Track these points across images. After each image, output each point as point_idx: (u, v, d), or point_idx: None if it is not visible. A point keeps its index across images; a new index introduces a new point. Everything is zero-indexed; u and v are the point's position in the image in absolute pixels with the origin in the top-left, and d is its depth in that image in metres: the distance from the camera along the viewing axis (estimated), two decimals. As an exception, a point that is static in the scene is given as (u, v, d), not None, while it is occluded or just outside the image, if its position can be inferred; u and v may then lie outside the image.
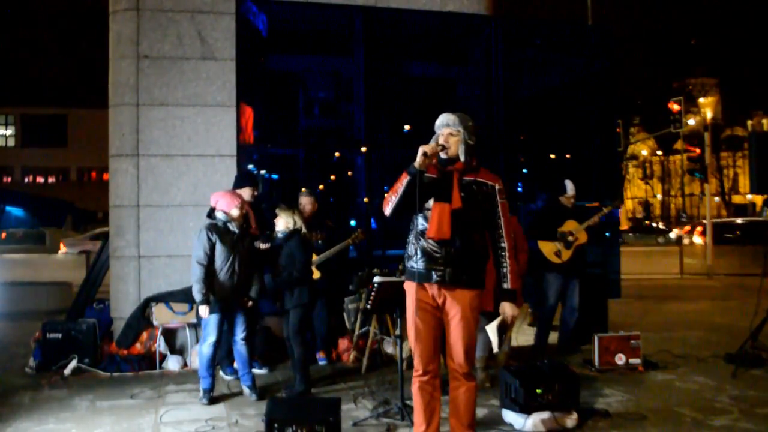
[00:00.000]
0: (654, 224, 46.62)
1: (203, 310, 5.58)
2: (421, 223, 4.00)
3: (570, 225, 7.20)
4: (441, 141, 3.99)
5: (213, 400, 5.60)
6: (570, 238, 7.13)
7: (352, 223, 8.32)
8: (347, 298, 6.97)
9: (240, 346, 5.79)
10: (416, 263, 4.01)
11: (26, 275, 14.20)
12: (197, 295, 5.57)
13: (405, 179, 3.91)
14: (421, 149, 3.89)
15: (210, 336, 5.65)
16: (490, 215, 4.03)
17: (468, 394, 4.05)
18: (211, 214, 5.80)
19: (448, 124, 4.01)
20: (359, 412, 5.23)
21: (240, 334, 5.79)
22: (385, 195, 4.06)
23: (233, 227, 5.70)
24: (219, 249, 5.61)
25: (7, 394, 5.86)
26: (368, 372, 6.47)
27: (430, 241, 3.95)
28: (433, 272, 3.95)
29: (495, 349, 4.23)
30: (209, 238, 5.60)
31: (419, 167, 3.88)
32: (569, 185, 7.25)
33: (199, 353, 5.73)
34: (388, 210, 4.02)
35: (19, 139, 46.99)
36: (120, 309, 7.11)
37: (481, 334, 5.55)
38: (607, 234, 8.77)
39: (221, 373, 6.40)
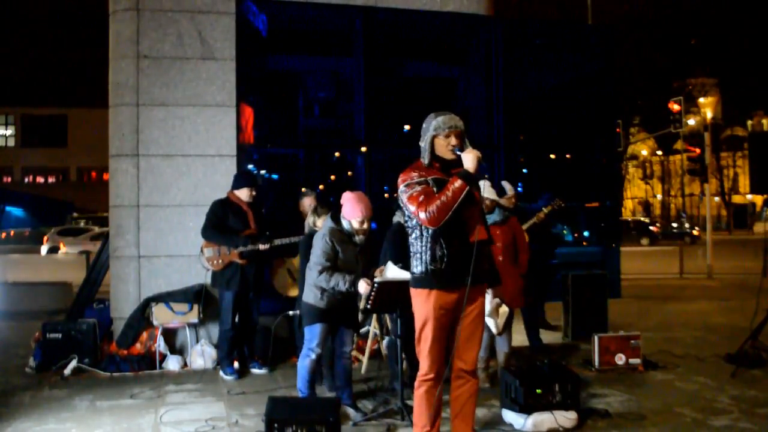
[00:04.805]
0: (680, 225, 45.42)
1: (363, 285, 4.86)
2: (432, 227, 3.89)
3: None
4: (453, 142, 3.92)
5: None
6: None
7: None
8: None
9: (346, 361, 5.24)
10: (443, 267, 3.88)
11: (26, 275, 14.21)
12: (346, 284, 4.85)
13: (462, 187, 3.78)
14: (476, 154, 3.80)
15: (315, 348, 5.08)
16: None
17: (472, 391, 4.11)
18: (336, 216, 5.07)
19: (458, 126, 3.95)
20: (359, 412, 5.22)
21: (347, 346, 5.23)
22: (429, 204, 3.79)
23: (358, 239, 5.01)
24: (340, 259, 4.97)
25: (7, 394, 5.86)
26: (368, 372, 6.47)
27: (456, 244, 3.88)
28: (464, 275, 3.85)
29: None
30: (334, 246, 4.92)
31: (475, 172, 3.81)
32: (507, 186, 7.17)
33: (301, 365, 5.14)
34: (440, 219, 3.79)
35: (19, 139, 47.12)
36: (120, 309, 7.11)
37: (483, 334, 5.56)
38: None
39: (221, 373, 6.40)
